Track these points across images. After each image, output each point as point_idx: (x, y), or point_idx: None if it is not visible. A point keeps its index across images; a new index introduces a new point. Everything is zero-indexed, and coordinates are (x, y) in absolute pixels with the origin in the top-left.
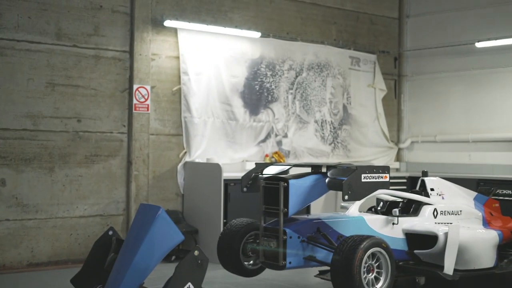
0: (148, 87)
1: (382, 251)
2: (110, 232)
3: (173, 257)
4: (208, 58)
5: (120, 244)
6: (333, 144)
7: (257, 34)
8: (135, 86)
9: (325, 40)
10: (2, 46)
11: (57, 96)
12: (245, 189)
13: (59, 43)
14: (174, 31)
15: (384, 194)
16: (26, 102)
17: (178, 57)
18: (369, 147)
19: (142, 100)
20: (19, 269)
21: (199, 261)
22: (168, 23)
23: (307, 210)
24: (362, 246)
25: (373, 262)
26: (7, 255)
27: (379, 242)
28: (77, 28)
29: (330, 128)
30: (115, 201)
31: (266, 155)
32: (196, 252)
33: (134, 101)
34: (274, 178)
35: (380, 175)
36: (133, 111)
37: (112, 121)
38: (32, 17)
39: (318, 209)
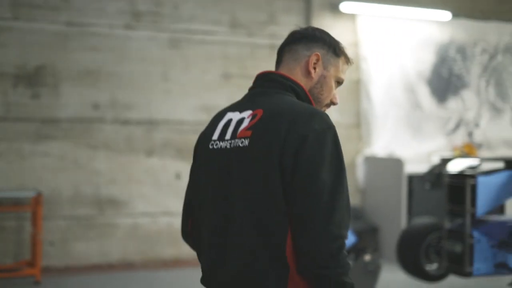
0: None
1: None
2: None
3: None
4: (390, 43)
5: None
6: None
7: (447, 15)
8: None
9: None
10: None
11: None
12: (428, 186)
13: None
14: (352, 16)
15: None
16: None
17: (356, 44)
18: None
19: None
20: None
21: (371, 268)
22: (344, 7)
23: (501, 210)
24: None
25: None
26: None
27: None
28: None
29: None
30: None
31: (456, 148)
32: (367, 257)
33: None
34: (460, 174)
35: None
36: None
37: None
38: None
39: None
